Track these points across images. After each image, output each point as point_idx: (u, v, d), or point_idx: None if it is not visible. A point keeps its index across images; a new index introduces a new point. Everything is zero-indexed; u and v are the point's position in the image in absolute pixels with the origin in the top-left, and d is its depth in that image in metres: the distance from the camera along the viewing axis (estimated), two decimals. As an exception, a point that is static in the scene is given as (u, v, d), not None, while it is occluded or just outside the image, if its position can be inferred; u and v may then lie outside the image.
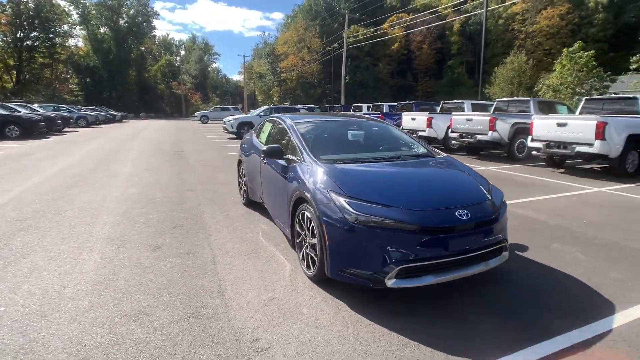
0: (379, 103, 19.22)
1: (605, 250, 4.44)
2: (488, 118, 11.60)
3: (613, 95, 21.24)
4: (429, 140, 13.69)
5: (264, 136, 5.49)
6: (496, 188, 3.75)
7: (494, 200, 3.47)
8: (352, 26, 75.67)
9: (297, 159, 4.03)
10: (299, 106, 21.60)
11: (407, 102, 17.57)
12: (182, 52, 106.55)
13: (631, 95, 10.18)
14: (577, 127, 8.68)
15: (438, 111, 16.52)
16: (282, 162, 4.27)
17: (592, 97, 12.10)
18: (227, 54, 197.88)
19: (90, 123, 32.08)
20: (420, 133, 14.37)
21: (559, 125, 9.05)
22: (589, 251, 4.40)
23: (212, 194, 7.02)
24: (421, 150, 4.50)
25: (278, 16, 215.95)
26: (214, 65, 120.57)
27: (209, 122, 41.64)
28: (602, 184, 8.29)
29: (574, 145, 8.78)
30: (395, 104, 20.95)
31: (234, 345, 2.60)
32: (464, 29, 66.12)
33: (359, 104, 19.99)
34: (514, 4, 56.71)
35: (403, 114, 16.35)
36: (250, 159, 5.62)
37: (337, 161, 3.85)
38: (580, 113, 10.32)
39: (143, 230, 4.97)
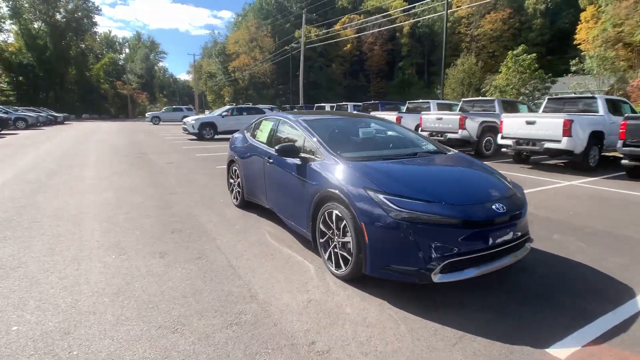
0: (344, 103, 19.34)
1: (600, 239, 4.75)
2: (458, 117, 12.09)
3: (573, 94, 22.98)
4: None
5: (262, 135, 5.28)
6: (515, 182, 3.88)
7: (519, 193, 3.60)
8: (305, 26, 75.93)
9: (317, 157, 3.92)
10: (260, 106, 21.15)
11: (373, 101, 17.82)
12: (127, 50, 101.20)
13: (590, 95, 11.01)
14: (545, 125, 9.21)
15: (404, 110, 16.94)
16: (297, 161, 4.13)
17: (554, 97, 12.97)
18: (174, 52, 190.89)
19: (30, 125, 29.43)
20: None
21: (528, 123, 9.58)
22: (586, 240, 4.69)
23: (198, 197, 6.68)
24: (431, 147, 4.56)
25: (227, 14, 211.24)
26: (160, 64, 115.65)
27: (161, 123, 39.79)
28: (571, 178, 8.83)
29: (542, 142, 9.25)
30: (360, 104, 21.23)
31: (292, 350, 2.46)
32: (414, 31, 68.58)
33: (322, 104, 20.00)
34: (460, 7, 59.70)
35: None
36: (248, 160, 5.39)
37: (359, 158, 3.80)
38: (543, 111, 11.03)
39: (139, 237, 4.61)
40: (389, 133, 4.90)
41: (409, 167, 3.79)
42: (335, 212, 3.46)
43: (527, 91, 34.97)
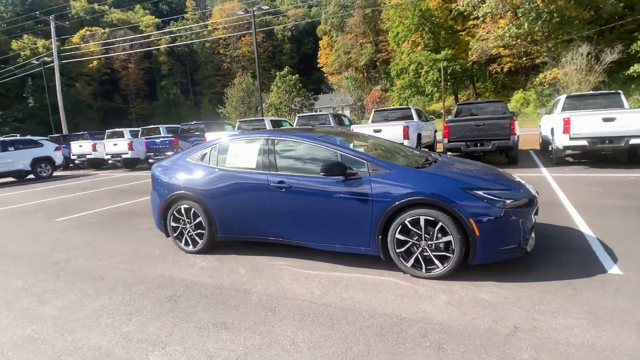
0: (155, 126, 16.83)
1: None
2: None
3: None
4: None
5: (242, 160, 4.28)
6: None
7: None
8: (27, 37, 61.48)
9: (372, 170, 3.63)
10: (36, 138, 15.71)
11: (196, 122, 16.02)
12: None
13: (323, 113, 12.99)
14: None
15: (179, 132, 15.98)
16: (339, 179, 3.69)
17: (303, 114, 14.85)
18: None
19: None
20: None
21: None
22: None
23: (122, 260, 4.69)
24: (421, 153, 4.86)
25: None
26: None
27: None
28: None
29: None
30: (177, 126, 18.50)
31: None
32: (172, 50, 66.79)
33: (120, 129, 16.63)
34: (216, 29, 62.27)
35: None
36: (225, 192, 4.23)
37: (414, 166, 3.86)
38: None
39: (150, 319, 2.97)
40: (380, 146, 4.87)
41: (462, 167, 4.09)
42: (424, 217, 3.37)
43: (297, 107, 40.13)
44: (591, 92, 13.13)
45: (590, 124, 7.90)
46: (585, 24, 26.32)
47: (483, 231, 3.23)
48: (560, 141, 8.46)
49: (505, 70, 34.02)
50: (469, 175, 3.71)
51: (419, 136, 11.37)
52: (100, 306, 3.36)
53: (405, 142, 10.43)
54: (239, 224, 4.27)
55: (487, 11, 27.87)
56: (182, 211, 4.50)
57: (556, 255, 3.86)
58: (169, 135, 14.78)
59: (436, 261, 3.41)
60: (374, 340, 2.61)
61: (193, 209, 4.42)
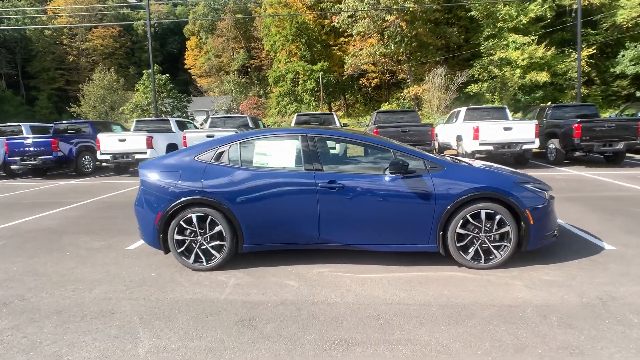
0: (16, 124, 13.10)
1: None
2: (144, 137, 11.14)
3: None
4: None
5: (273, 159, 3.83)
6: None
7: None
8: None
9: (430, 168, 3.66)
10: None
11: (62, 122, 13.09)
12: None
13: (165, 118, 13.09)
14: (133, 141, 10.79)
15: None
16: (394, 177, 3.62)
17: (141, 119, 14.30)
18: None
19: None
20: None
21: (120, 140, 10.95)
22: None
23: (115, 288, 3.48)
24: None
25: None
26: None
27: None
28: None
29: (133, 154, 10.85)
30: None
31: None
32: (-6, 33, 54.12)
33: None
34: (59, 15, 52.92)
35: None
36: (258, 196, 3.64)
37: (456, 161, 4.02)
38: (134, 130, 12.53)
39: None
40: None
41: (490, 164, 4.40)
42: (485, 211, 3.58)
43: (168, 109, 36.97)
44: (484, 105, 15.73)
45: (495, 132, 9.44)
46: (437, 49, 31.21)
47: (535, 220, 3.59)
48: (470, 146, 9.86)
49: (372, 84, 37.75)
50: (511, 171, 4.07)
51: (171, 147, 11.71)
52: (157, 347, 2.58)
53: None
54: (276, 231, 3.79)
55: (360, 30, 30.57)
56: (193, 220, 3.76)
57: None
58: (46, 136, 11.94)
59: (495, 251, 3.64)
60: (511, 328, 2.66)
61: (210, 217, 3.74)
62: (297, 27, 37.44)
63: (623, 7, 24.59)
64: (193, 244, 3.82)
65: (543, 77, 26.72)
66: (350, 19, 31.94)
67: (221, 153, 3.90)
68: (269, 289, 3.43)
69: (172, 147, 11.95)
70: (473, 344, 2.49)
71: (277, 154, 3.91)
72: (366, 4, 28.43)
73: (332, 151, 3.90)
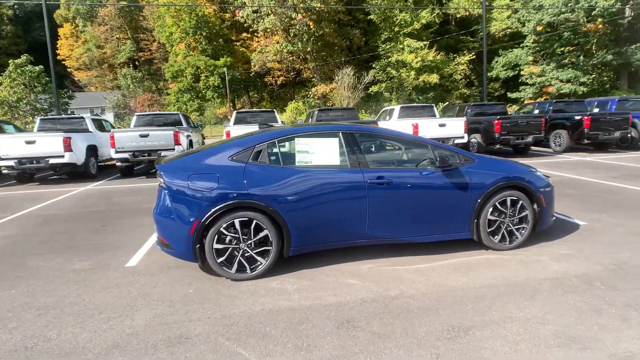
0: None
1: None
2: (60, 137, 9.52)
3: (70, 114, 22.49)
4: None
5: (316, 157, 3.68)
6: None
7: None
8: None
9: (463, 161, 3.92)
10: None
11: None
12: None
13: (79, 115, 12.13)
14: (46, 142, 9.33)
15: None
16: (434, 170, 3.82)
17: (47, 117, 12.86)
18: None
19: None
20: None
21: (28, 142, 9.35)
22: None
23: (164, 311, 2.83)
24: None
25: None
26: None
27: None
28: (83, 185, 9.43)
29: (46, 159, 9.43)
30: None
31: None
32: None
33: None
34: None
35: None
36: (305, 195, 3.48)
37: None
38: (38, 131, 11.00)
39: None
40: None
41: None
42: (511, 198, 4.00)
43: (45, 106, 31.82)
44: (415, 104, 16.84)
45: (432, 129, 10.36)
46: (342, 50, 32.63)
47: (547, 203, 4.14)
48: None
49: (278, 82, 37.80)
50: (516, 162, 4.57)
51: (190, 142, 11.25)
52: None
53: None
54: (324, 231, 3.69)
55: (267, 27, 30.34)
56: (236, 226, 3.45)
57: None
58: None
59: (516, 233, 4.10)
60: (576, 296, 3.06)
61: (255, 222, 3.47)
62: (196, 19, 35.47)
63: (495, 20, 28.88)
64: (235, 251, 3.49)
65: (434, 78, 29.95)
66: (255, 15, 31.44)
67: (259, 152, 3.63)
68: (336, 289, 3.34)
69: (92, 150, 10.45)
70: (564, 314, 2.81)
71: (319, 151, 3.78)
72: (272, 1, 28.34)
73: (382, 147, 3.98)
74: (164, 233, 3.56)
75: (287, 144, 3.75)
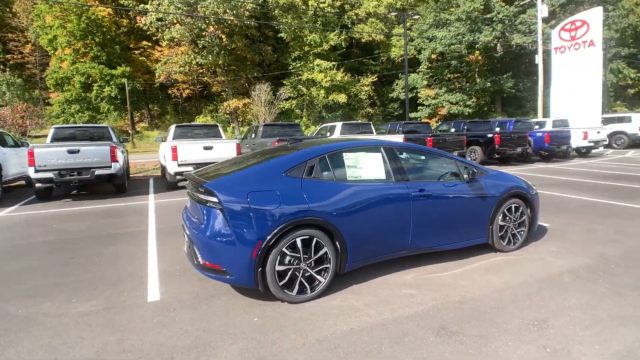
0: None
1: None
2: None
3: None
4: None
5: (363, 172, 3.78)
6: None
7: None
8: None
9: (480, 173, 4.35)
10: None
11: None
12: None
13: None
14: None
15: None
16: (461, 182, 4.19)
17: None
18: None
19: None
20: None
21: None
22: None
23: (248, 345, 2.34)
24: None
25: None
26: None
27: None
28: None
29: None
30: None
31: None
32: None
33: None
34: None
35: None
36: (361, 210, 3.52)
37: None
38: None
39: None
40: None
41: None
42: (514, 205, 4.55)
43: None
44: (354, 121, 17.19)
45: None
46: (254, 65, 32.50)
47: (537, 208, 4.83)
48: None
49: (184, 95, 35.88)
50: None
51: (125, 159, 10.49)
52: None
53: (114, 165, 8.71)
54: (373, 244, 3.76)
55: (174, 36, 28.79)
56: (298, 245, 3.34)
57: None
58: None
59: (518, 235, 4.68)
60: (598, 285, 3.63)
61: (315, 239, 3.40)
62: (87, 21, 31.85)
63: (394, 46, 31.90)
64: (297, 272, 3.35)
65: (342, 98, 31.67)
66: (159, 23, 29.57)
67: (312, 167, 3.57)
68: (402, 300, 3.42)
69: (-3, 167, 8.70)
70: (600, 298, 3.34)
71: (365, 165, 3.85)
72: (180, 10, 27.04)
73: (417, 162, 4.24)
74: (216, 258, 3.24)
75: (335, 158, 3.73)
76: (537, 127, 14.78)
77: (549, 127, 14.59)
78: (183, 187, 10.41)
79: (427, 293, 3.55)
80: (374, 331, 2.91)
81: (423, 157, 4.42)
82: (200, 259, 3.35)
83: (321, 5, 31.27)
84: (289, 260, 3.31)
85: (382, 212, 3.71)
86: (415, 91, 31.80)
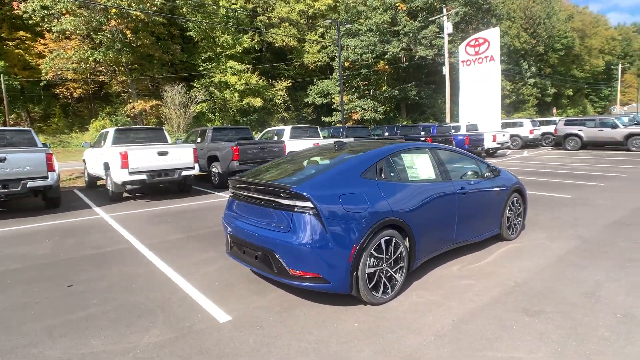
0: None
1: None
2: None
3: None
4: None
5: (419, 172, 4.09)
6: None
7: None
8: None
9: (498, 170, 4.88)
10: None
11: None
12: None
13: None
14: None
15: None
16: (483, 180, 4.65)
17: None
18: None
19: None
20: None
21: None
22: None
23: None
24: None
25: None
26: None
27: None
28: None
29: None
30: None
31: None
32: None
33: None
34: None
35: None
36: (424, 209, 3.70)
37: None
38: None
39: None
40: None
41: None
42: (515, 198, 5.19)
43: None
44: (302, 125, 16.63)
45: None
46: (162, 64, 30.18)
47: (527, 201, 5.57)
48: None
49: (75, 95, 31.61)
50: None
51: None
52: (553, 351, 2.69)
53: (50, 175, 7.48)
54: (434, 241, 3.99)
55: (66, 28, 25.31)
56: (382, 246, 3.41)
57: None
58: None
59: (517, 225, 5.32)
60: (607, 265, 4.37)
61: (394, 240, 3.51)
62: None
63: (308, 52, 32.64)
64: (381, 273, 3.41)
65: (257, 102, 31.33)
66: (45, 12, 25.67)
67: (381, 168, 3.65)
68: (469, 291, 3.69)
69: None
70: (623, 270, 4.02)
71: (419, 166, 4.05)
72: (75, -1, 23.86)
73: (451, 162, 4.54)
74: (311, 265, 3.12)
75: (397, 160, 3.85)
76: (452, 130, 16.65)
77: (463, 131, 16.54)
78: (132, 198, 9.36)
79: (484, 281, 3.87)
80: (473, 320, 3.10)
81: (456, 157, 4.78)
82: (288, 269, 3.17)
83: (233, 6, 30.51)
84: (374, 262, 3.33)
85: (438, 209, 3.95)
86: (329, 97, 32.95)
